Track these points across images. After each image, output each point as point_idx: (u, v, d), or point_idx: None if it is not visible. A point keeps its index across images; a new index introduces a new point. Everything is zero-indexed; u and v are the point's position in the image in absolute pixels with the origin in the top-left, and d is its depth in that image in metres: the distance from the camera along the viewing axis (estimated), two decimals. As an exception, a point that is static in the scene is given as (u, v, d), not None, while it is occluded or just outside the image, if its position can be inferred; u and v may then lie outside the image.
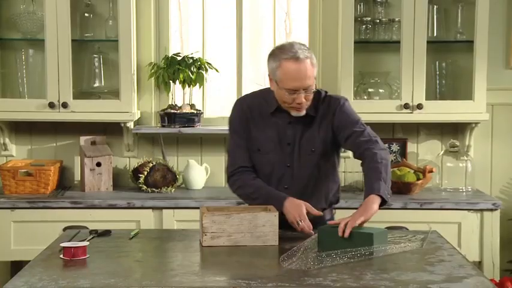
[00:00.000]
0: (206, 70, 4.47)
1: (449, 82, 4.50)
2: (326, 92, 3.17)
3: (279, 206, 2.98)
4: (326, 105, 3.11)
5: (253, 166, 3.15)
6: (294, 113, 3.05)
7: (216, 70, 4.51)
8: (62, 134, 4.58)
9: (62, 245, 2.71)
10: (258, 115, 3.13)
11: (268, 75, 3.04)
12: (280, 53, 2.96)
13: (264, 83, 4.89)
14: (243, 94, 3.41)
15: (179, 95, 4.54)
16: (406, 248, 2.81)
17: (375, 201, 2.85)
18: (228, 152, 3.23)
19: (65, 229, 3.80)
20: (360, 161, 3.05)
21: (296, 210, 2.96)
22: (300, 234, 2.96)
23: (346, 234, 2.73)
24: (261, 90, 3.23)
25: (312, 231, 2.92)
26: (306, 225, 2.93)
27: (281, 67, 2.94)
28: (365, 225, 2.81)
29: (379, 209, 2.86)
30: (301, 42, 3.03)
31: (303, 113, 3.04)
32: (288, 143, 3.10)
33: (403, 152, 4.56)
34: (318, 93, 3.11)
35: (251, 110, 3.14)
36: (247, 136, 3.14)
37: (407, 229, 3.71)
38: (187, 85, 4.45)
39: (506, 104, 4.56)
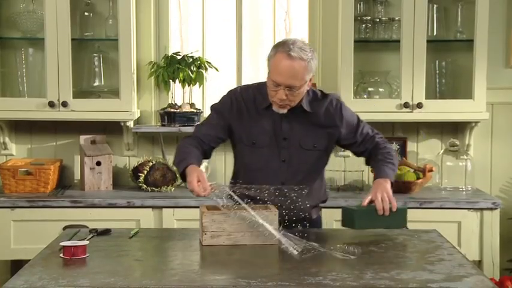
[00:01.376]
0: (206, 69, 4.47)
1: (449, 81, 4.50)
2: (321, 90, 3.21)
3: (182, 167, 2.94)
4: (327, 103, 3.14)
5: (209, 146, 3.09)
6: (275, 108, 3.06)
7: (216, 69, 4.52)
8: (62, 133, 4.58)
9: (62, 244, 2.71)
10: (253, 108, 3.12)
11: (267, 66, 3.06)
12: (280, 45, 2.99)
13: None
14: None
15: (179, 94, 4.54)
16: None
17: (387, 182, 3.07)
18: (197, 125, 3.19)
19: (64, 228, 3.79)
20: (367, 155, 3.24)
21: (197, 172, 2.88)
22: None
23: (387, 212, 2.96)
24: (254, 84, 3.23)
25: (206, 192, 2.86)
26: (203, 187, 2.85)
27: (274, 57, 2.96)
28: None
29: None
30: (307, 44, 3.01)
31: (284, 111, 3.05)
32: (284, 137, 3.10)
33: (403, 151, 4.56)
34: (313, 92, 3.15)
35: (246, 102, 3.13)
36: (232, 127, 3.11)
37: (407, 228, 3.70)
38: (187, 84, 4.45)
39: (506, 103, 4.56)
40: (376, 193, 2.98)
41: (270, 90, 3.01)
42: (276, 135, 3.10)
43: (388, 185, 3.04)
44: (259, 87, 3.14)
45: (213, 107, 3.19)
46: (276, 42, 3.06)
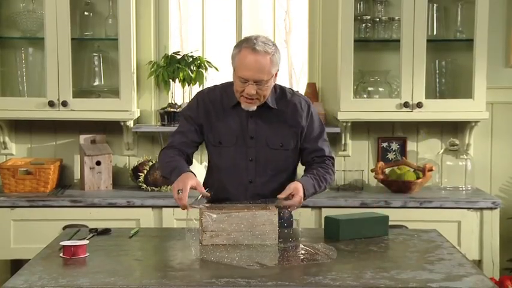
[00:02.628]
0: (206, 69, 4.47)
1: (449, 81, 4.50)
2: (291, 89, 3.21)
3: (176, 177, 2.96)
4: (296, 101, 3.15)
5: (187, 153, 3.14)
6: (244, 106, 3.06)
7: (216, 69, 4.52)
8: (62, 132, 4.58)
9: (62, 243, 2.72)
10: (220, 108, 3.13)
11: (232, 64, 3.07)
12: (243, 42, 3.03)
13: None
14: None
15: (179, 94, 4.55)
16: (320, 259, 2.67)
17: (301, 188, 2.99)
18: (171, 135, 3.22)
19: (64, 228, 3.81)
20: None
21: (183, 181, 2.91)
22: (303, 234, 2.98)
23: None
24: (221, 84, 3.24)
25: (185, 206, 2.86)
26: (183, 196, 2.86)
27: (239, 54, 2.99)
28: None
29: None
30: (269, 39, 3.07)
31: (254, 107, 3.06)
32: (251, 136, 3.11)
33: (403, 151, 4.56)
34: (281, 89, 3.16)
35: (213, 103, 3.14)
36: (203, 128, 3.13)
37: (407, 228, 3.71)
38: (187, 84, 4.45)
39: (506, 103, 4.56)
40: (291, 187, 2.95)
41: (238, 87, 3.02)
42: (242, 134, 3.11)
43: (301, 190, 2.96)
44: (225, 87, 3.17)
45: (182, 113, 3.22)
46: (236, 43, 3.08)
